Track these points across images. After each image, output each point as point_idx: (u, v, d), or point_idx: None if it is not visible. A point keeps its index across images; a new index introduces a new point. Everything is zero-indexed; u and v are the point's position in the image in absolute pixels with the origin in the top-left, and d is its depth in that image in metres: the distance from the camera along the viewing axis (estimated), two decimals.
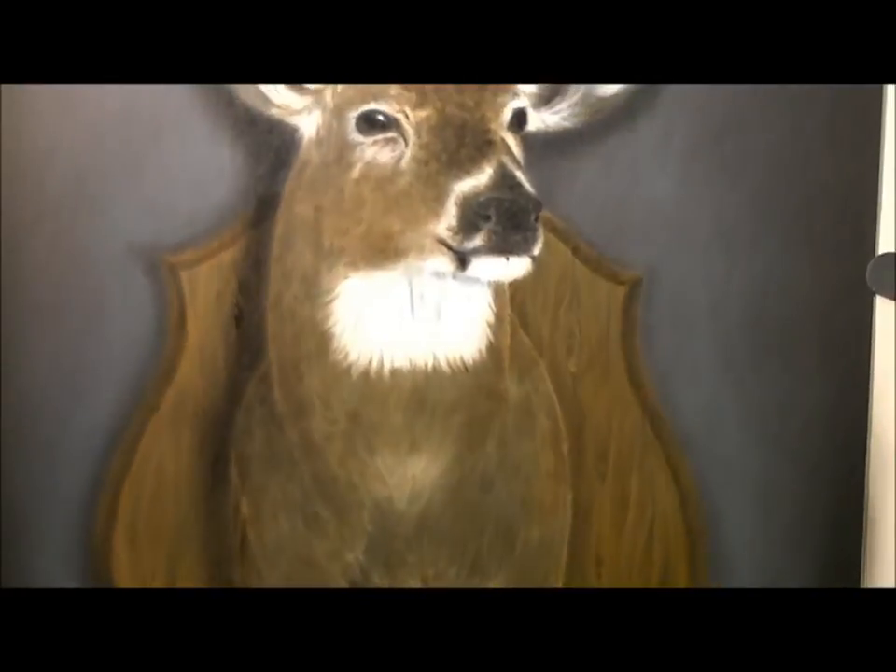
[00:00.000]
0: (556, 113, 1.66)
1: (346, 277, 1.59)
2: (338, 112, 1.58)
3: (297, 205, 1.62)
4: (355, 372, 1.61)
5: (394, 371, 1.61)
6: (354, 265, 1.58)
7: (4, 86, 1.62)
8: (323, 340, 1.61)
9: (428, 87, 1.53)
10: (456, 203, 1.45)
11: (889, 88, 1.75)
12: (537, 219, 1.45)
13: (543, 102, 1.66)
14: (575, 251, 1.72)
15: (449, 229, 1.46)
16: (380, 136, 1.54)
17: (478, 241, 1.45)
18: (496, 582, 1.71)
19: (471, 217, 1.44)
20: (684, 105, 1.72)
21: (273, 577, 1.69)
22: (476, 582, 1.71)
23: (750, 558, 1.81)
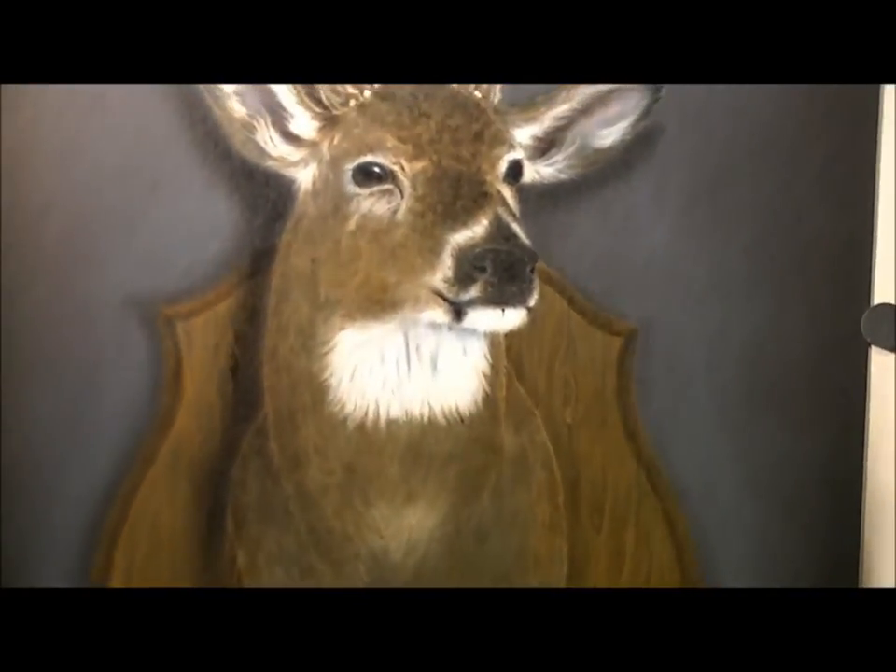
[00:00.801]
0: (552, 165, 1.67)
1: (342, 329, 1.58)
2: (334, 164, 1.59)
3: (293, 257, 1.63)
4: (351, 424, 1.60)
5: (390, 423, 1.60)
6: (350, 317, 1.57)
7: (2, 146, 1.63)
8: (319, 391, 1.61)
9: (425, 139, 1.53)
10: (452, 255, 1.45)
11: (883, 138, 1.77)
12: (532, 271, 1.45)
13: (539, 154, 1.67)
14: (571, 302, 1.73)
15: (445, 280, 1.45)
16: (376, 188, 1.54)
17: (474, 292, 1.44)
18: None
19: (467, 268, 1.43)
20: (679, 157, 1.73)
21: None
22: None
23: None
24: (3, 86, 1.63)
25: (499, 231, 1.45)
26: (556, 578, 1.75)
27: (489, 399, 1.65)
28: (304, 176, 1.63)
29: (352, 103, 1.60)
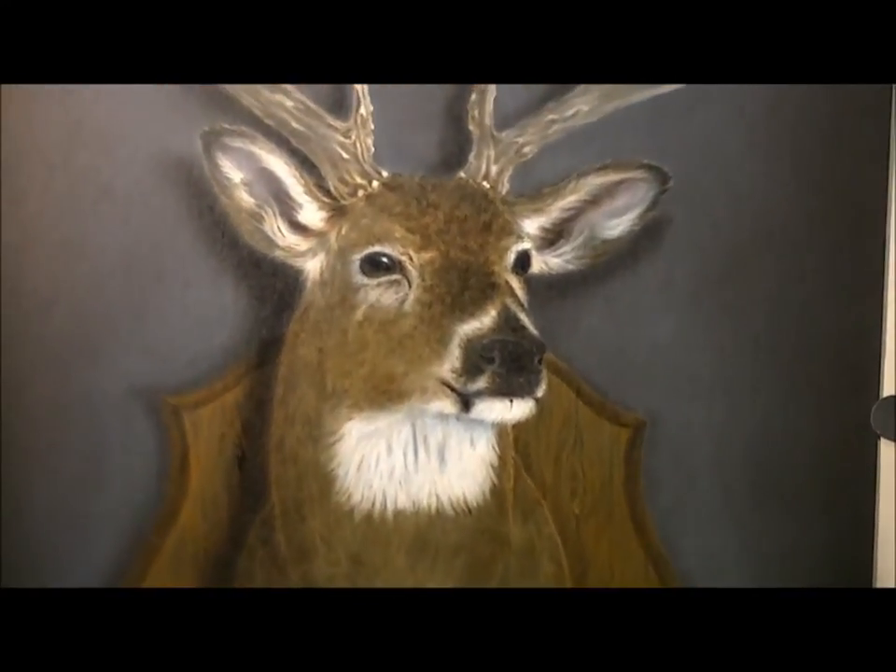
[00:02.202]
0: (560, 256, 1.67)
1: (349, 419, 1.58)
2: (342, 254, 1.59)
3: (300, 347, 1.62)
4: (358, 515, 1.59)
5: (397, 514, 1.59)
6: (357, 407, 1.57)
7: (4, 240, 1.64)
8: (326, 482, 1.60)
9: (433, 229, 1.54)
10: (460, 346, 1.45)
11: (892, 230, 1.77)
12: (540, 361, 1.45)
13: (547, 244, 1.67)
14: (578, 393, 1.72)
15: (453, 371, 1.45)
16: (384, 279, 1.54)
17: (481, 383, 1.44)
18: None
19: (475, 359, 1.43)
20: (686, 248, 1.74)
21: None
22: None
23: None
24: (4, 188, 1.64)
25: (507, 322, 1.44)
26: None
27: (497, 490, 1.64)
28: (312, 266, 1.63)
29: (360, 193, 1.61)
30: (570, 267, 1.68)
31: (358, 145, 1.60)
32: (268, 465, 1.65)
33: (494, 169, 1.64)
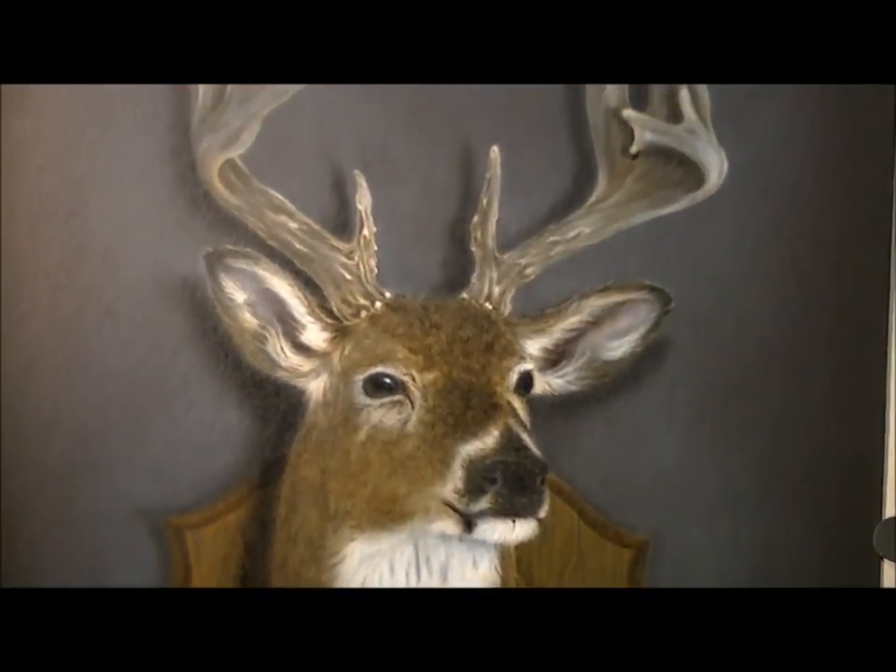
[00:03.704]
0: (562, 376, 1.68)
1: (352, 539, 1.57)
2: (345, 375, 1.59)
3: (303, 468, 1.62)
4: None
5: None
6: (360, 527, 1.56)
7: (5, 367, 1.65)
8: None
9: (435, 350, 1.54)
10: (463, 466, 1.44)
11: (893, 354, 1.78)
12: (543, 482, 1.44)
13: (549, 365, 1.68)
14: (581, 514, 1.72)
15: (455, 491, 1.45)
16: (387, 399, 1.55)
17: (484, 504, 1.44)
18: None
19: (478, 479, 1.43)
20: (688, 369, 1.75)
21: None
22: None
23: None
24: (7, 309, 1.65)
25: (510, 443, 1.44)
26: None
27: None
28: (315, 387, 1.63)
29: (363, 314, 1.62)
30: (573, 387, 1.69)
31: (362, 266, 1.62)
32: (270, 585, 1.64)
33: (496, 290, 1.65)
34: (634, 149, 1.68)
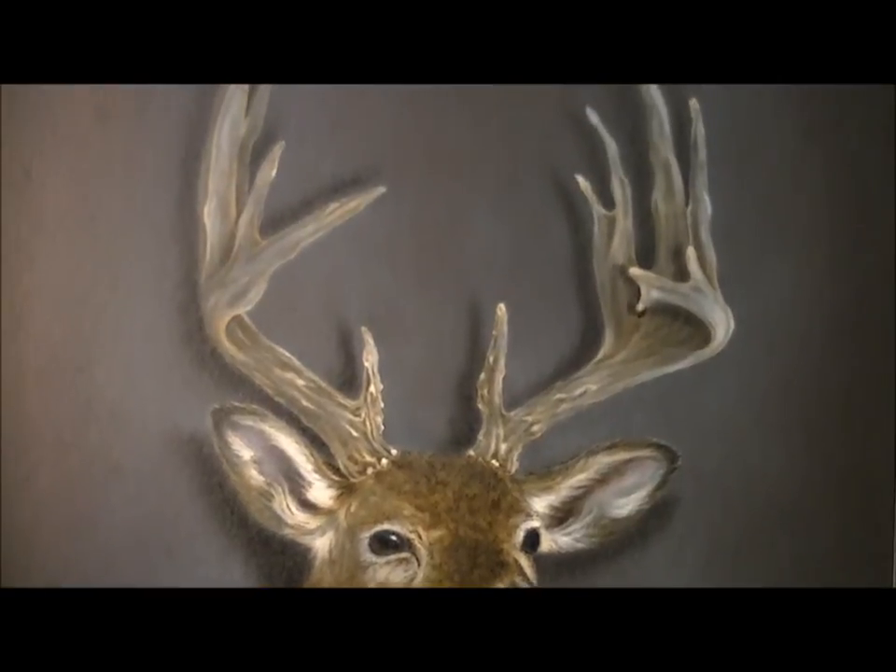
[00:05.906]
0: (569, 534, 1.67)
1: None
2: (351, 532, 1.59)
3: None
4: None
5: None
6: None
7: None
8: None
9: (442, 508, 1.54)
10: None
11: None
12: None
13: (556, 522, 1.67)
14: None
15: None
16: (393, 556, 1.54)
17: None
18: None
19: None
20: (696, 527, 1.74)
21: None
22: None
23: None
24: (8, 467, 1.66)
25: None
26: None
27: None
28: (321, 544, 1.63)
29: (369, 471, 1.62)
30: (579, 545, 1.67)
31: (368, 423, 1.62)
32: None
33: (503, 447, 1.65)
34: (640, 307, 1.70)
